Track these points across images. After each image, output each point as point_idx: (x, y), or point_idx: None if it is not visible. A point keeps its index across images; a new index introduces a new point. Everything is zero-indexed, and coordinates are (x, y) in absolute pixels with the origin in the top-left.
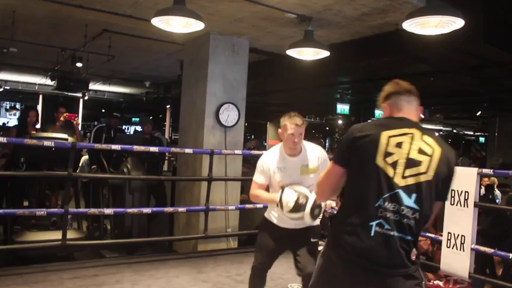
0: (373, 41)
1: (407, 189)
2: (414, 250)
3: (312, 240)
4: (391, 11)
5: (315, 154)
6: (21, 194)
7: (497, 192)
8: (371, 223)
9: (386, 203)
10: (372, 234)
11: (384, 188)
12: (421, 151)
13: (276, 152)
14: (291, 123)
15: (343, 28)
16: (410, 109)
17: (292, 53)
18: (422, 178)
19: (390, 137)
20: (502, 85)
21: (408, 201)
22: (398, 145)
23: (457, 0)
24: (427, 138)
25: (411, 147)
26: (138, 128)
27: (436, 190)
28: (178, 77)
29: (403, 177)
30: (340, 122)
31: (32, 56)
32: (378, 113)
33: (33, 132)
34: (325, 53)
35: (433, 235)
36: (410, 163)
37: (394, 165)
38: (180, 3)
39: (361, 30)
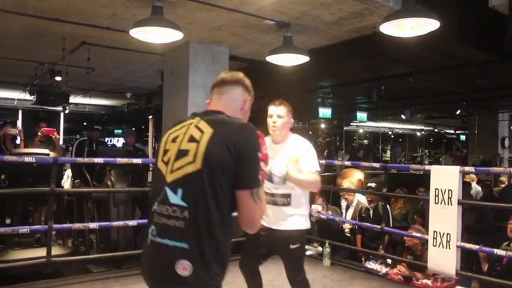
0: (352, 44)
1: (174, 185)
2: (186, 263)
3: (292, 247)
4: (368, 15)
5: (297, 145)
6: (3, 211)
7: (478, 188)
8: (148, 230)
9: (158, 206)
10: (148, 242)
11: (158, 189)
12: (191, 139)
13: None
14: (270, 106)
15: (322, 33)
16: (220, 100)
17: (272, 59)
18: (190, 168)
19: (170, 134)
20: (479, 84)
21: (174, 198)
22: (174, 140)
23: (431, 2)
24: (202, 123)
25: (184, 137)
26: (122, 140)
27: (213, 179)
28: (159, 87)
29: (171, 172)
30: (323, 126)
31: (9, 70)
32: (360, 115)
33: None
34: (305, 58)
35: (419, 234)
36: (179, 155)
37: (167, 162)
38: (158, 14)
39: (339, 34)
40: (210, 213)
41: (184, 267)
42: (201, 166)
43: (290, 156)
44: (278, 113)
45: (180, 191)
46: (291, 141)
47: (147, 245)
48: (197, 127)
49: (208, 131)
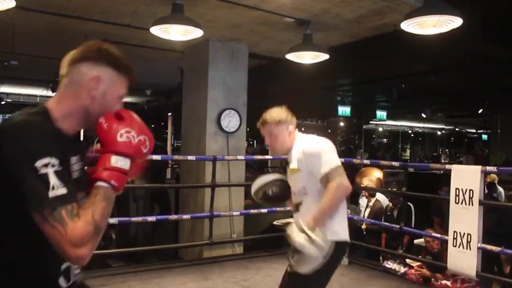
0: (372, 42)
1: None
2: None
3: (288, 270)
4: (389, 12)
5: (297, 150)
6: None
7: (500, 189)
8: None
9: None
10: None
11: None
12: None
13: None
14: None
15: (342, 30)
16: (57, 92)
17: (291, 57)
18: None
19: None
20: (502, 82)
21: None
22: None
23: None
24: None
25: None
26: None
27: None
28: (179, 84)
29: None
30: (341, 123)
31: (32, 68)
32: (379, 113)
33: None
34: (325, 56)
35: (439, 235)
36: None
37: None
38: (179, 12)
39: (360, 32)
40: None
41: None
42: None
43: (291, 167)
44: (267, 133)
45: None
46: (293, 149)
47: None
48: None
49: None
